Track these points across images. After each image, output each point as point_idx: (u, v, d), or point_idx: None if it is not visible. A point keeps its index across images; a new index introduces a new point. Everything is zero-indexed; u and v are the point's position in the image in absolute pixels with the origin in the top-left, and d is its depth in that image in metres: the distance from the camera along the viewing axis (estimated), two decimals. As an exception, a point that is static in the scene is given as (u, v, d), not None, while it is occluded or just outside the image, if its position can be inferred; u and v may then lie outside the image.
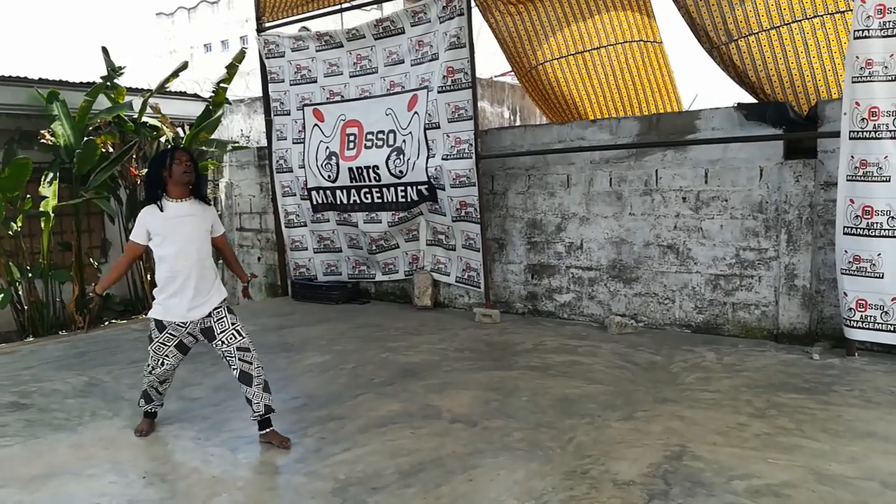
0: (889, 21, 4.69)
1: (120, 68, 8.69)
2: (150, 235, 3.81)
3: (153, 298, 3.91)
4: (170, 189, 3.80)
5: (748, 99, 6.14)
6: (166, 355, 3.94)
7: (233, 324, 3.89)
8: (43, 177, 8.03)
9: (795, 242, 5.64)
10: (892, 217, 4.84)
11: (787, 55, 5.74)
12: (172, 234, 3.77)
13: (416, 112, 7.42)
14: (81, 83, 9.02)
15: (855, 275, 4.96)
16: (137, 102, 8.85)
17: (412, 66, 7.48)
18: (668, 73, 7.88)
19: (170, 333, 3.88)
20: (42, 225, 7.95)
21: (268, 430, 3.96)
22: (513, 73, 9.39)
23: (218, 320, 3.86)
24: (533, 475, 3.45)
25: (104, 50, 8.93)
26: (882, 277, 4.91)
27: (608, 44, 7.61)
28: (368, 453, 3.79)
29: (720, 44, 5.88)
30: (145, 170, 8.56)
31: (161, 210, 3.79)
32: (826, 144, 5.52)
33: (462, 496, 3.26)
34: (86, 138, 8.13)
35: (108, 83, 8.59)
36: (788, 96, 5.87)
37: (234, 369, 3.86)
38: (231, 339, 3.85)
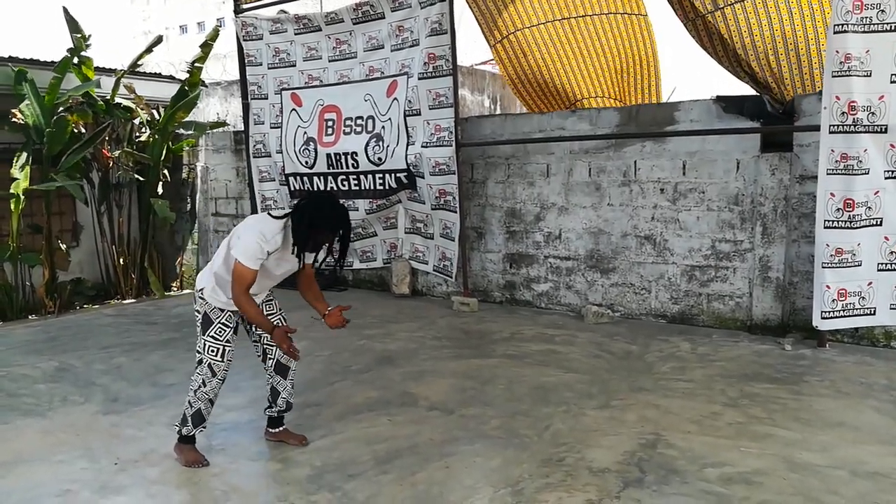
0: (866, 17, 4.74)
1: (87, 37, 8.39)
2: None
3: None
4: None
5: (722, 93, 6.19)
6: (227, 340, 3.46)
7: (279, 309, 3.67)
8: (15, 158, 7.83)
9: (770, 235, 5.71)
10: (870, 207, 4.94)
11: (772, 23, 5.80)
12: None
13: (395, 98, 7.36)
14: (52, 62, 8.77)
15: (837, 267, 5.04)
16: (110, 82, 8.64)
17: (392, 51, 7.41)
18: (653, 46, 7.79)
19: (228, 319, 3.49)
20: (12, 207, 7.76)
21: (281, 427, 3.79)
22: (492, 62, 9.34)
23: (267, 302, 3.62)
24: (509, 462, 3.46)
25: (66, 11, 8.53)
26: (860, 265, 5.02)
27: (592, 13, 7.59)
28: (345, 440, 3.77)
29: (706, 12, 5.91)
30: (117, 151, 8.43)
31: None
32: (802, 138, 5.58)
33: (438, 483, 3.26)
34: (56, 117, 7.93)
35: (76, 57, 8.31)
36: (772, 63, 5.92)
37: (269, 358, 3.63)
38: (282, 322, 3.60)
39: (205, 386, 3.44)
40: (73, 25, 8.42)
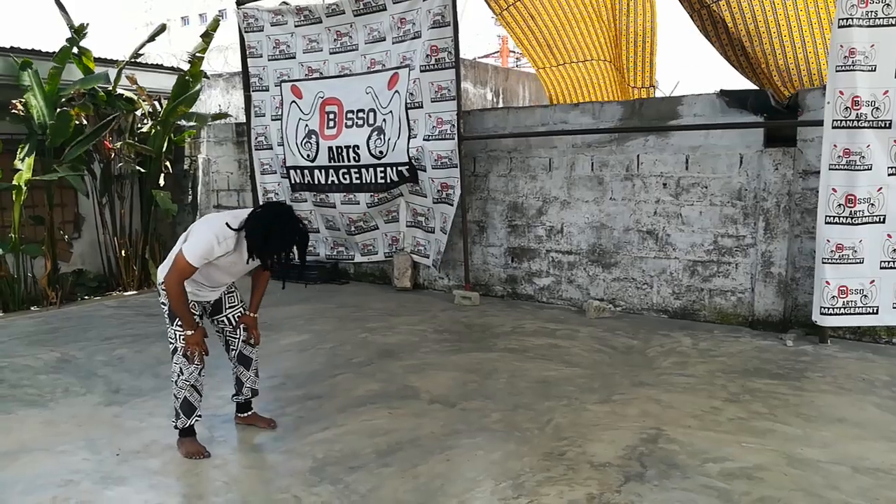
0: (871, 11, 4.72)
1: (83, 27, 8.35)
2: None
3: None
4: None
5: (727, 87, 6.17)
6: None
7: (241, 301, 3.78)
8: (19, 150, 7.82)
9: (772, 230, 5.70)
10: (872, 204, 4.93)
11: (776, 9, 5.81)
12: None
13: (396, 91, 7.33)
14: (51, 52, 8.73)
15: (837, 263, 5.03)
16: (112, 74, 8.62)
17: (393, 43, 7.38)
18: (654, 20, 7.79)
19: (192, 308, 3.52)
20: (13, 198, 7.76)
21: (250, 412, 3.90)
22: (495, 55, 9.33)
23: (228, 294, 3.73)
24: (510, 456, 3.46)
25: (59, 4, 8.50)
26: (862, 262, 5.01)
27: None
28: (346, 433, 3.78)
29: (711, 2, 5.93)
30: (118, 142, 8.42)
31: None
32: (805, 133, 5.56)
33: (439, 476, 3.27)
34: (59, 110, 7.91)
35: (75, 47, 8.27)
36: (776, 46, 5.93)
37: (232, 349, 3.75)
38: (238, 318, 3.73)
39: (183, 374, 3.50)
40: (67, 17, 8.38)
